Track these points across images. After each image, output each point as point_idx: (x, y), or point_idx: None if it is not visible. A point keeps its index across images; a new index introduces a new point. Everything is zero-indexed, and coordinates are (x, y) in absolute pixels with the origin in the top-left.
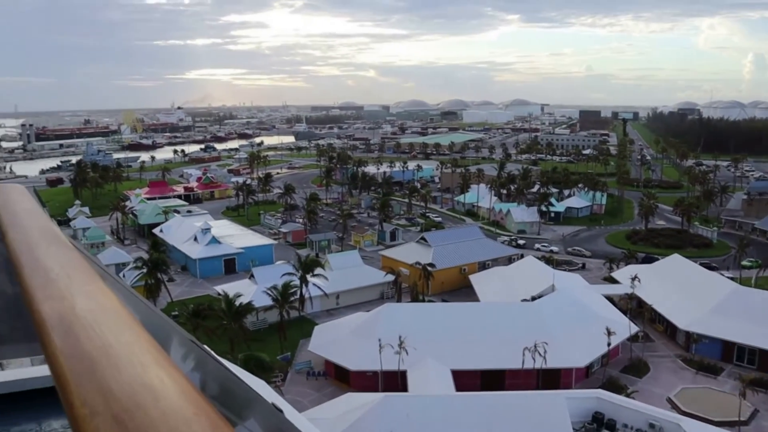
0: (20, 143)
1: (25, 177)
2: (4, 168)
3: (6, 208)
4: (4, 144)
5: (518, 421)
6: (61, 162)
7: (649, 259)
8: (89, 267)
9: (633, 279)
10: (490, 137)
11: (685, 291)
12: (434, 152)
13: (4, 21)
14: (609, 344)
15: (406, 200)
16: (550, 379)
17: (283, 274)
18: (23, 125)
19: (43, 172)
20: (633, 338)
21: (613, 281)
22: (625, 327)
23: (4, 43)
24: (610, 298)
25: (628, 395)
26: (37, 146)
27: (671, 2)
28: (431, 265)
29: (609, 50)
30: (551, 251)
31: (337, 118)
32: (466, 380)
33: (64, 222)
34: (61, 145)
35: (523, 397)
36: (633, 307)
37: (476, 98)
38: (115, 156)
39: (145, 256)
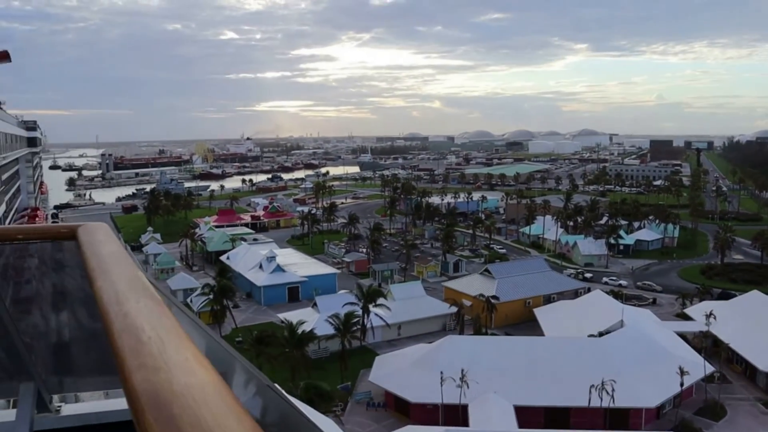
0: (99, 172)
1: (103, 204)
2: (85, 195)
3: (92, 249)
4: (86, 173)
5: None
6: (137, 190)
7: (725, 295)
8: (180, 328)
9: (708, 316)
10: (557, 168)
11: (767, 329)
12: (499, 183)
13: (86, 56)
14: (682, 384)
15: (470, 231)
16: (618, 419)
17: (346, 304)
18: (103, 155)
19: (119, 199)
20: (708, 379)
21: (687, 318)
22: (699, 366)
23: (87, 78)
24: (683, 336)
25: None
26: (115, 175)
27: (750, 28)
28: (495, 297)
29: (682, 78)
30: (620, 285)
31: (401, 148)
32: (529, 417)
33: (137, 248)
34: (136, 174)
35: None
36: (708, 345)
37: (542, 128)
38: (187, 185)
39: (212, 282)
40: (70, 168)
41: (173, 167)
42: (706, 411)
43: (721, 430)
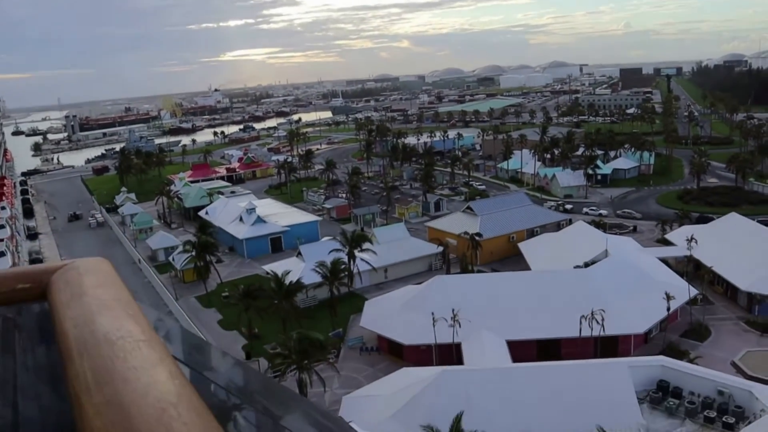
0: (65, 134)
1: (72, 167)
2: (52, 159)
3: (77, 302)
4: (51, 136)
5: (580, 391)
6: (106, 150)
7: (703, 219)
8: None
9: (689, 240)
10: (530, 101)
11: (745, 250)
12: (473, 120)
13: (42, 17)
14: (668, 309)
15: (449, 170)
16: (608, 346)
17: (331, 251)
18: (67, 116)
19: (88, 161)
20: (692, 302)
21: (668, 243)
22: (683, 290)
23: (44, 39)
24: (665, 261)
25: (691, 361)
26: (82, 136)
27: None
28: (479, 234)
29: (648, 5)
30: (600, 215)
31: (373, 91)
32: (522, 351)
33: (112, 209)
34: (104, 134)
35: (584, 366)
36: (690, 269)
37: (513, 63)
38: (157, 141)
39: (193, 239)
40: (33, 132)
41: (141, 124)
42: (691, 333)
43: (706, 350)
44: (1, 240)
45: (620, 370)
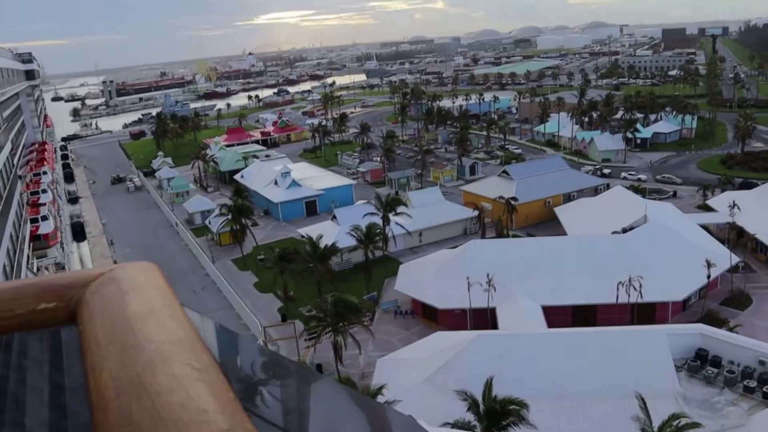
0: (103, 99)
1: (110, 132)
2: (91, 124)
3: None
4: (89, 101)
5: (617, 358)
6: (142, 115)
7: (747, 185)
8: None
9: (732, 207)
10: (567, 63)
11: None
12: (510, 82)
13: None
14: (709, 276)
15: (484, 133)
16: (645, 313)
17: (365, 214)
18: (104, 82)
19: (126, 126)
20: (733, 269)
21: (709, 209)
22: (724, 258)
23: (80, 3)
24: (706, 228)
25: (731, 329)
26: (119, 101)
27: None
28: (514, 198)
29: None
30: (639, 180)
31: (407, 53)
32: (557, 316)
33: (149, 173)
34: (140, 99)
35: (621, 333)
36: (732, 236)
37: (550, 23)
38: (192, 106)
39: (229, 202)
40: (72, 98)
41: (177, 89)
42: (731, 301)
43: (747, 319)
44: (44, 204)
45: (658, 338)
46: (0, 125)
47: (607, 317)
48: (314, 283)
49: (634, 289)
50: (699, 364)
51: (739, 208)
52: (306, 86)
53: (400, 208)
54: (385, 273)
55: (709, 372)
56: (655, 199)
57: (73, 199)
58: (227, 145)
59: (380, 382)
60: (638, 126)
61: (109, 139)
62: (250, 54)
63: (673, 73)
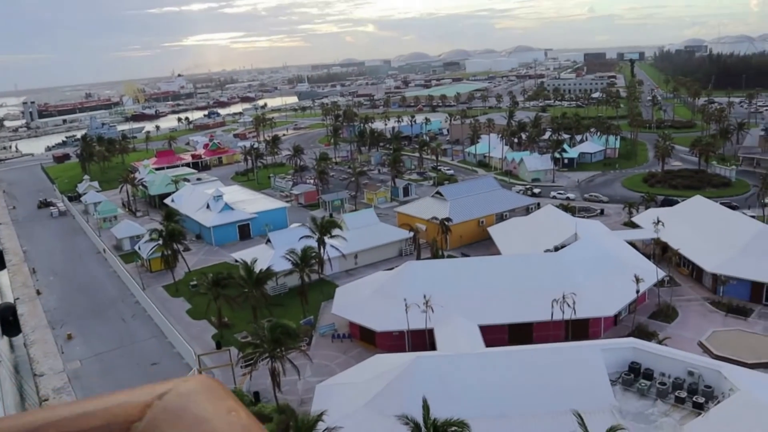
0: (23, 121)
1: (32, 155)
2: (10, 147)
3: None
4: (8, 123)
5: (554, 375)
6: (66, 138)
7: (668, 202)
8: None
9: (656, 223)
10: (496, 86)
11: (710, 233)
12: (440, 104)
13: None
14: (638, 291)
15: (417, 154)
16: (579, 329)
17: (300, 237)
18: (25, 103)
19: (48, 149)
20: (659, 283)
21: (635, 226)
22: (651, 272)
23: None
24: (633, 244)
25: (660, 342)
26: (41, 123)
27: None
28: (448, 219)
29: None
30: (568, 198)
31: (338, 75)
32: (494, 335)
33: (74, 198)
34: (64, 121)
35: (557, 349)
36: (657, 251)
37: (478, 47)
38: (120, 128)
39: (159, 227)
40: None
41: (103, 111)
42: (659, 314)
43: (674, 331)
44: None
45: (593, 353)
46: None
47: (542, 334)
48: (249, 308)
49: (568, 305)
50: (632, 377)
51: (662, 224)
52: (237, 108)
53: (335, 231)
54: (321, 296)
55: (642, 384)
56: (584, 217)
57: None
58: (157, 168)
59: (320, 408)
60: (565, 146)
61: (31, 162)
62: (179, 75)
63: (595, 95)
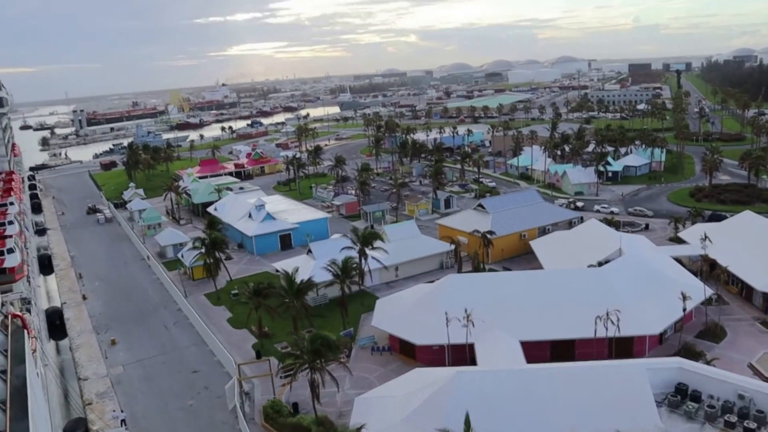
0: (73, 129)
1: (80, 162)
2: (60, 154)
3: None
4: (58, 130)
5: (597, 393)
6: (113, 145)
7: (716, 217)
8: None
9: (704, 239)
10: (538, 97)
11: (760, 249)
12: (482, 115)
13: (44, 8)
14: (684, 309)
15: (458, 166)
16: (623, 347)
17: (342, 248)
18: (74, 111)
19: (96, 156)
20: (707, 302)
21: (681, 241)
22: (698, 290)
23: (52, 32)
24: (679, 260)
25: (708, 363)
26: (89, 131)
27: None
28: (491, 232)
29: None
30: (612, 212)
31: (380, 85)
32: (536, 351)
33: (120, 205)
34: (111, 129)
35: (601, 367)
36: (705, 268)
37: (520, 58)
38: (165, 136)
39: (202, 235)
40: (41, 127)
41: (149, 119)
42: (707, 333)
43: (723, 352)
44: (10, 236)
45: (638, 372)
46: None
47: (585, 352)
48: (290, 318)
49: (612, 322)
50: (679, 398)
51: (710, 240)
52: (280, 118)
53: (377, 242)
54: (361, 308)
55: (690, 407)
56: (628, 231)
57: (41, 231)
58: (200, 177)
59: (359, 421)
60: (609, 159)
61: (79, 169)
62: (223, 85)
63: (640, 107)
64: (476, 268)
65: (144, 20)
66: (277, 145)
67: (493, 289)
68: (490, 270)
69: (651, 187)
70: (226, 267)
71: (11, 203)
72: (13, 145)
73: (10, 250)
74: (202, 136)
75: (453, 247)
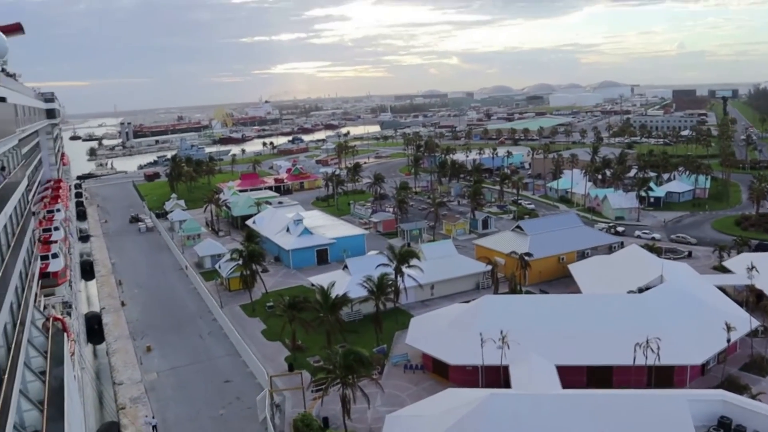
0: (120, 140)
1: (125, 172)
2: (106, 164)
3: None
4: (106, 142)
5: (635, 423)
6: (158, 157)
7: (763, 247)
8: None
9: (750, 269)
10: (579, 121)
11: None
12: (522, 138)
13: (99, 26)
14: (729, 340)
15: (497, 187)
16: (663, 376)
17: (378, 265)
18: (122, 123)
19: (141, 167)
20: (753, 333)
21: (725, 270)
22: (744, 321)
23: (101, 48)
24: (723, 290)
25: (753, 397)
26: (135, 143)
27: None
28: (528, 254)
29: (703, 26)
30: (653, 239)
31: (421, 106)
32: (572, 377)
33: (161, 215)
34: (156, 141)
35: (640, 397)
36: (751, 299)
37: (562, 82)
38: (208, 150)
39: (240, 247)
40: (90, 138)
41: (193, 133)
42: (752, 366)
43: None
44: (56, 242)
45: (679, 404)
46: (18, 161)
47: (623, 379)
48: (323, 333)
49: (652, 350)
50: None
51: (757, 270)
52: (320, 135)
53: (413, 261)
54: (395, 325)
55: None
56: (670, 258)
57: (84, 237)
58: (240, 190)
59: None
60: (651, 185)
61: (124, 179)
62: (266, 102)
63: (685, 133)
64: (513, 290)
65: (192, 39)
66: (317, 162)
67: (530, 312)
68: (527, 292)
69: (695, 214)
70: (262, 279)
71: (58, 210)
72: (63, 154)
73: (55, 255)
74: (243, 151)
75: (490, 267)
